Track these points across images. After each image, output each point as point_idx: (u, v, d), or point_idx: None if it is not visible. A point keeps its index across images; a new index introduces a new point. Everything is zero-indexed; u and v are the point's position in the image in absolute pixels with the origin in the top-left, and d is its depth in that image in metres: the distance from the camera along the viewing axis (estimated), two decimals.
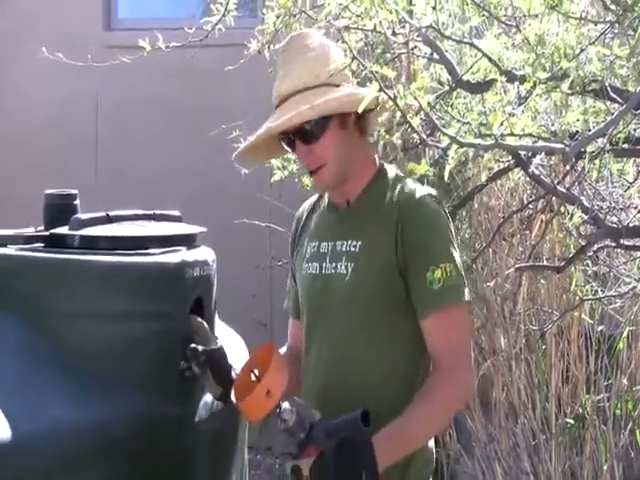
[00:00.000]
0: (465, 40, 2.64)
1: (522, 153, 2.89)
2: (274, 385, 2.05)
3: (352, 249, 2.18)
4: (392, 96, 1.95)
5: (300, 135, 2.18)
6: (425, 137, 2.11)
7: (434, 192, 2.23)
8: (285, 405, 2.05)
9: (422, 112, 2.01)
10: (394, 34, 2.75)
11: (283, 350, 2.44)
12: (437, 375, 2.11)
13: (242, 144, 2.27)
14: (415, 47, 2.81)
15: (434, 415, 2.12)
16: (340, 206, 2.28)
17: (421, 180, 2.54)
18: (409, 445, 2.10)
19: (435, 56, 2.82)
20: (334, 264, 2.20)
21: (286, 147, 2.24)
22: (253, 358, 2.21)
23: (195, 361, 2.24)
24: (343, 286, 2.18)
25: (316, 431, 2.02)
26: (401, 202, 2.16)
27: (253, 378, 2.16)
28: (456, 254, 2.16)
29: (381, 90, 1.92)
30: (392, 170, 2.29)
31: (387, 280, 2.13)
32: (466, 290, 2.15)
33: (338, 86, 2.18)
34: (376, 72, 1.96)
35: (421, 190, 2.19)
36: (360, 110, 2.02)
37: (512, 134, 2.04)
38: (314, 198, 2.43)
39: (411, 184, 2.23)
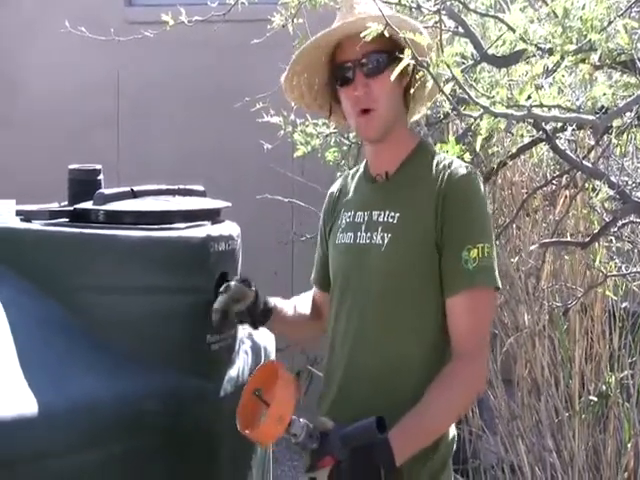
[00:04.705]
0: (490, 13, 2.62)
1: (548, 128, 2.87)
2: (284, 409, 1.98)
3: (390, 220, 2.16)
4: (425, 64, 1.92)
5: (363, 66, 2.14)
6: (458, 107, 2.07)
7: (476, 171, 2.20)
8: (293, 418, 1.99)
9: (451, 83, 1.98)
10: (418, 7, 2.73)
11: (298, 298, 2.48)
12: (454, 366, 2.08)
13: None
14: (441, 20, 2.78)
15: (449, 409, 2.10)
16: (378, 177, 2.25)
17: None
18: (425, 438, 2.07)
19: (460, 30, 2.80)
20: (369, 234, 2.18)
21: (339, 80, 2.18)
22: (255, 378, 2.13)
23: (242, 321, 2.28)
24: (378, 257, 2.15)
25: (331, 440, 1.98)
26: (444, 176, 2.13)
27: (257, 398, 2.05)
28: (492, 236, 2.14)
29: (414, 58, 1.89)
30: (432, 145, 2.27)
31: (424, 252, 2.11)
32: (497, 274, 2.13)
33: None
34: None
35: (465, 168, 2.16)
36: (393, 77, 1.98)
37: (541, 105, 2.02)
38: (348, 172, 2.42)
39: (454, 160, 2.19)
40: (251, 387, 2.09)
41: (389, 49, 2.09)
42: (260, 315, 2.30)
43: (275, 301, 2.37)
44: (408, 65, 1.94)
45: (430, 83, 1.99)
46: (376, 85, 2.14)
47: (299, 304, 2.46)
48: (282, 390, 2.01)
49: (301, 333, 2.54)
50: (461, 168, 2.15)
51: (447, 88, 1.97)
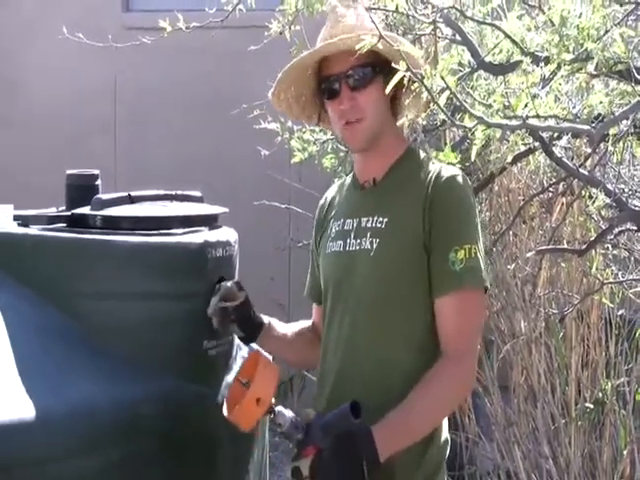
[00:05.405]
0: (487, 21, 2.62)
1: (545, 136, 2.87)
2: (263, 392, 2.05)
3: (378, 225, 2.18)
4: (419, 76, 1.93)
5: (349, 79, 2.16)
6: (452, 118, 2.08)
7: (464, 174, 2.22)
8: (279, 409, 2.05)
9: (446, 93, 1.99)
10: (413, 17, 2.74)
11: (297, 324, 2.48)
12: (442, 365, 2.10)
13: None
14: (437, 28, 2.79)
15: (435, 407, 2.11)
16: (366, 184, 2.27)
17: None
18: (409, 437, 2.08)
19: (457, 38, 2.80)
20: (358, 240, 2.20)
21: (326, 93, 2.21)
22: (241, 370, 2.20)
23: (225, 319, 2.27)
24: (368, 262, 2.17)
25: (313, 430, 2.02)
26: (432, 179, 2.15)
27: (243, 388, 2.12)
28: (480, 237, 2.16)
29: (408, 70, 1.90)
30: (421, 152, 2.29)
31: (413, 256, 2.13)
32: (486, 274, 2.14)
33: None
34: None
35: (452, 170, 2.19)
36: (388, 91, 1.99)
37: (537, 116, 2.03)
38: (338, 182, 2.44)
39: (442, 164, 2.23)
40: (237, 377, 2.16)
41: (373, 62, 2.13)
42: (249, 322, 2.31)
43: (271, 320, 2.38)
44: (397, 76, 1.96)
45: (425, 94, 2.00)
46: (362, 98, 2.16)
47: (298, 326, 2.47)
48: (261, 374, 2.07)
49: (300, 355, 2.47)
50: (448, 171, 2.18)
51: (442, 97, 1.98)
